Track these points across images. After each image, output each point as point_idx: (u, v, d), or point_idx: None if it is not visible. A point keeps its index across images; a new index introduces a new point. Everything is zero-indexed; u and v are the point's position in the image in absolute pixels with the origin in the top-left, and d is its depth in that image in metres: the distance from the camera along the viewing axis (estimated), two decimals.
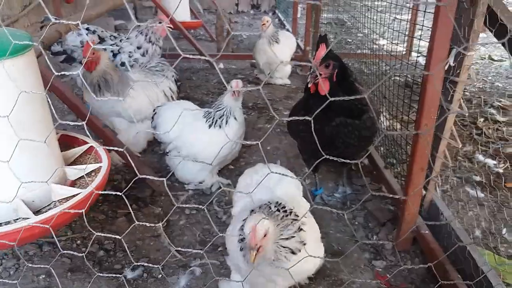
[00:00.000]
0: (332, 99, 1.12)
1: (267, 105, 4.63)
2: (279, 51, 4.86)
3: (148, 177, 1.42)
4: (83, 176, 2.31)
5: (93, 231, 1.59)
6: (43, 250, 2.43)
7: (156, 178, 1.42)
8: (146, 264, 2.29)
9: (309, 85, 2.45)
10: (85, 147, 2.56)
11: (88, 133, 1.66)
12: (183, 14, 7.18)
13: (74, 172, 2.34)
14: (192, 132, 2.88)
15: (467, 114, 2.33)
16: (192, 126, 2.90)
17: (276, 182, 2.17)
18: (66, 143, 2.61)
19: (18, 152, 1.82)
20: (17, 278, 2.23)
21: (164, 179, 1.43)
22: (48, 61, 1.48)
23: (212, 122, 2.79)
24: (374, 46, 3.77)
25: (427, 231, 2.32)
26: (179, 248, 2.34)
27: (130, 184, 1.69)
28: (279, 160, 3.46)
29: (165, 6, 6.14)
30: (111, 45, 4.22)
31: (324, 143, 2.46)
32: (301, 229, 1.80)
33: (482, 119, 4.04)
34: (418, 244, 2.41)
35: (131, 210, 1.61)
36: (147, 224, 1.48)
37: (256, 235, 1.59)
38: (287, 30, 7.84)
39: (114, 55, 4.15)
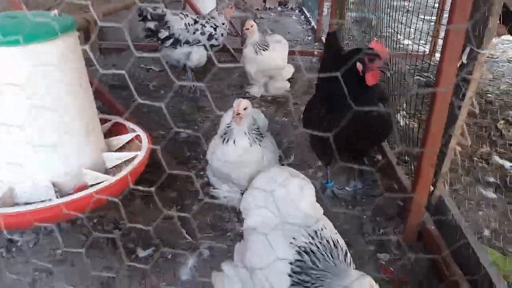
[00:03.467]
0: (357, 108, 1.17)
1: (286, 100, 4.67)
2: (269, 58, 4.40)
3: (177, 172, 1.50)
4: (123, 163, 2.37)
5: (126, 220, 1.70)
6: (61, 226, 2.57)
7: (184, 172, 1.50)
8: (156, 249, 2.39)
9: (357, 67, 2.33)
10: (131, 135, 2.59)
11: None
12: (210, 9, 7.27)
13: (112, 157, 2.41)
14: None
15: (477, 112, 2.32)
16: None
17: (298, 194, 1.86)
18: (117, 130, 2.68)
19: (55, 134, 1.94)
20: (36, 251, 2.38)
21: (193, 173, 1.50)
22: (89, 51, 1.52)
23: (220, 133, 2.66)
24: (398, 45, 3.77)
25: (433, 227, 2.33)
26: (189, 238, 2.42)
27: (160, 180, 1.79)
28: (293, 154, 3.53)
29: (194, 1, 6.22)
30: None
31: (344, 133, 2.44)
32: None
33: (503, 121, 3.98)
34: (423, 239, 2.42)
35: (155, 196, 1.70)
36: (165, 211, 1.56)
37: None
38: (313, 27, 7.87)
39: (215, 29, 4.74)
